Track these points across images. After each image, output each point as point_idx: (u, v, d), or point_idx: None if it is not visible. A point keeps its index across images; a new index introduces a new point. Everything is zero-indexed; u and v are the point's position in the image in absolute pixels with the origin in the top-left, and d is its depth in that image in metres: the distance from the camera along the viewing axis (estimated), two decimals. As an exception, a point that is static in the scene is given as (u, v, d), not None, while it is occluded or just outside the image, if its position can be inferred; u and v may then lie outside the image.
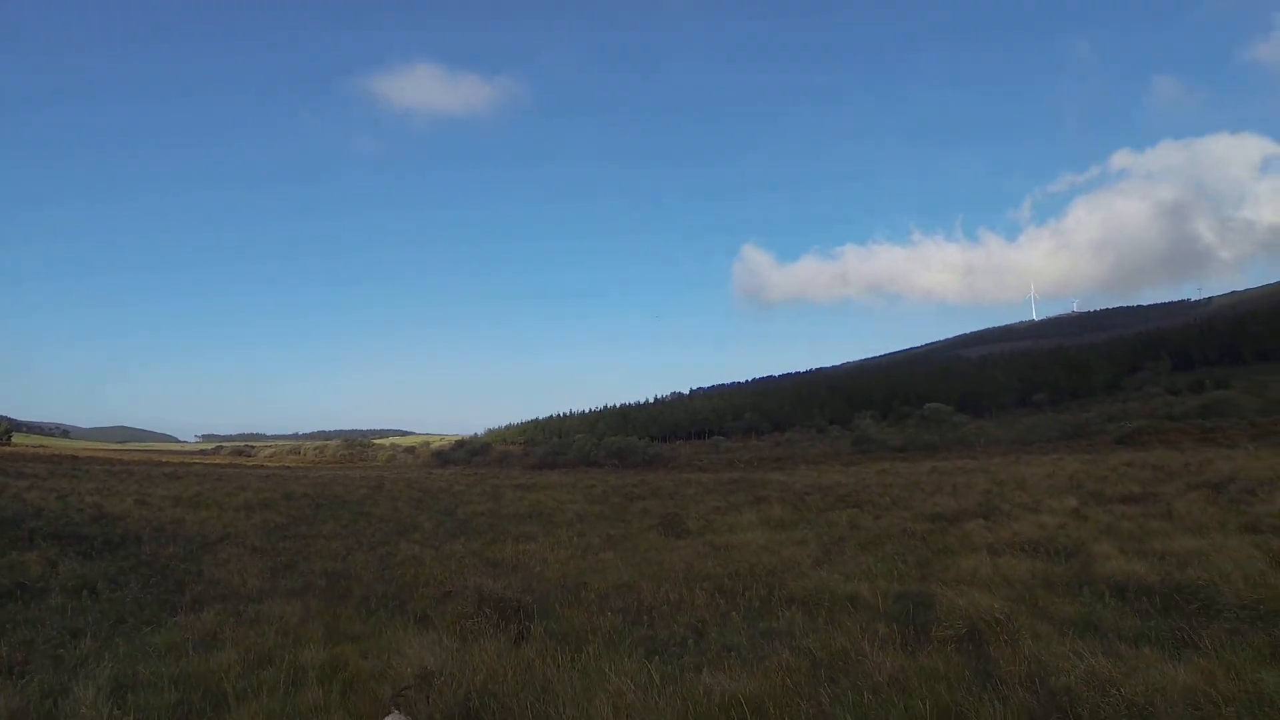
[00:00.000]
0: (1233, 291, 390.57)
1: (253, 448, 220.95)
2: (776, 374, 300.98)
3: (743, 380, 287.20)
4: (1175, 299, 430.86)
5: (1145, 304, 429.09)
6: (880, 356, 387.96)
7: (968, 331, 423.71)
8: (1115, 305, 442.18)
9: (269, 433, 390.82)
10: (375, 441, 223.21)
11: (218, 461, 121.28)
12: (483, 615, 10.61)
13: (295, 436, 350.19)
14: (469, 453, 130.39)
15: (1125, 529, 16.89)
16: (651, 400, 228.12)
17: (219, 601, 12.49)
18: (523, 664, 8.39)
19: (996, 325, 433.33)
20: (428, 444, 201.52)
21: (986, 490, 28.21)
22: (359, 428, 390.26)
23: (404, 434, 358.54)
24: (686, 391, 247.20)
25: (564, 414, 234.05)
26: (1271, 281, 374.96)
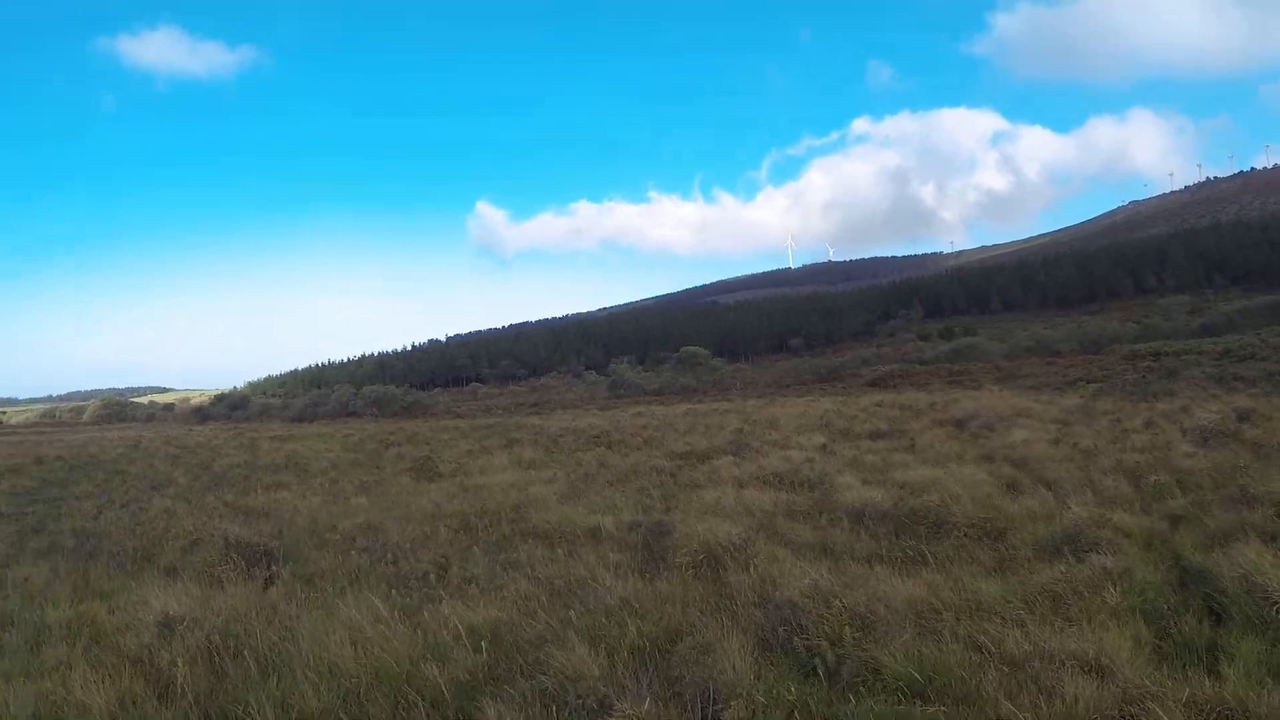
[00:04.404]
0: (982, 246, 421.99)
1: (4, 414, 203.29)
2: (533, 320, 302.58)
3: (499, 327, 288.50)
4: (929, 251, 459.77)
5: (901, 255, 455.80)
6: (637, 303, 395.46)
7: (725, 278, 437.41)
8: (871, 255, 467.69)
9: (22, 397, 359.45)
10: (134, 400, 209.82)
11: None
12: (230, 562, 10.69)
13: (50, 399, 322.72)
14: (229, 407, 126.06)
15: (869, 462, 17.93)
16: (409, 348, 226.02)
17: (-38, 573, 12.30)
18: (267, 605, 8.54)
19: (754, 273, 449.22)
20: (188, 400, 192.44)
21: (739, 429, 29.33)
22: (117, 386, 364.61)
23: (164, 391, 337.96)
24: (444, 339, 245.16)
25: (323, 364, 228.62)
26: (1019, 239, 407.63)
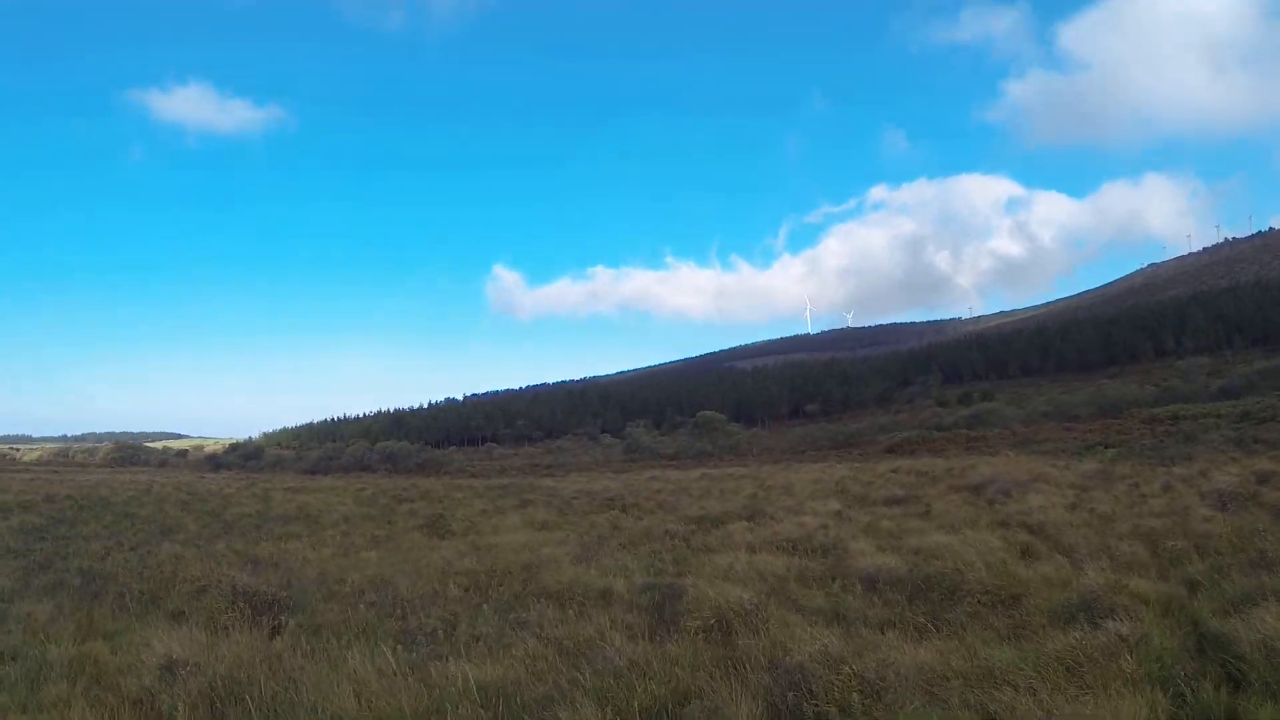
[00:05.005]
0: (1001, 312, 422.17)
1: (18, 450, 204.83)
2: (550, 382, 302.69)
3: (517, 388, 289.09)
4: (948, 317, 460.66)
5: (920, 321, 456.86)
6: (655, 367, 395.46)
7: (744, 344, 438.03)
8: (890, 322, 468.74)
9: (37, 435, 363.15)
10: (148, 445, 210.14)
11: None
12: (237, 609, 10.70)
13: (65, 439, 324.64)
14: (243, 457, 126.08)
15: (884, 528, 17.81)
16: (426, 406, 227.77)
17: (-35, 603, 12.39)
18: (272, 654, 8.52)
19: (772, 339, 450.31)
20: (201, 448, 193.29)
21: (753, 495, 29.23)
22: (132, 430, 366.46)
23: (178, 437, 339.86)
24: (461, 398, 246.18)
25: (339, 418, 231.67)
26: (1037, 304, 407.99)
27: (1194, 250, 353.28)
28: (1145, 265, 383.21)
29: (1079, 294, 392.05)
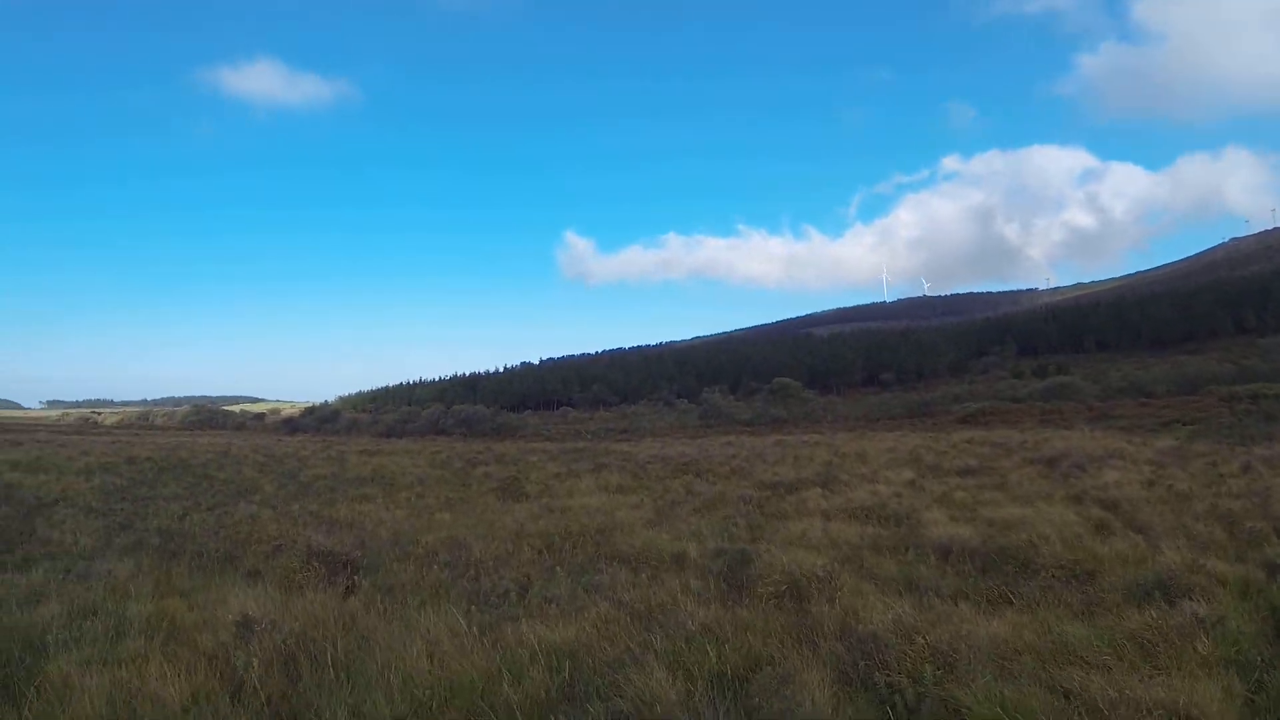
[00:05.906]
0: (1078, 284, 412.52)
1: (100, 414, 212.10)
2: (626, 347, 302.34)
3: (592, 352, 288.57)
4: (1024, 288, 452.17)
5: (996, 291, 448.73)
6: (730, 332, 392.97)
7: (820, 311, 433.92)
8: (966, 290, 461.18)
9: (118, 399, 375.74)
10: (226, 408, 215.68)
11: (63, 427, 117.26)
12: (311, 569, 10.81)
13: (145, 403, 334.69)
14: (319, 420, 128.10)
15: (958, 498, 17.60)
16: (501, 370, 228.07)
17: (49, 560, 12.56)
18: (346, 613, 8.54)
19: (847, 306, 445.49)
20: (278, 411, 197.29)
21: (828, 462, 28.93)
22: (210, 394, 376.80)
23: (255, 401, 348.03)
24: (536, 362, 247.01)
25: (414, 382, 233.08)
26: (1114, 276, 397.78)
27: (1278, 225, 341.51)
28: (1226, 240, 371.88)
29: (1157, 267, 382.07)
